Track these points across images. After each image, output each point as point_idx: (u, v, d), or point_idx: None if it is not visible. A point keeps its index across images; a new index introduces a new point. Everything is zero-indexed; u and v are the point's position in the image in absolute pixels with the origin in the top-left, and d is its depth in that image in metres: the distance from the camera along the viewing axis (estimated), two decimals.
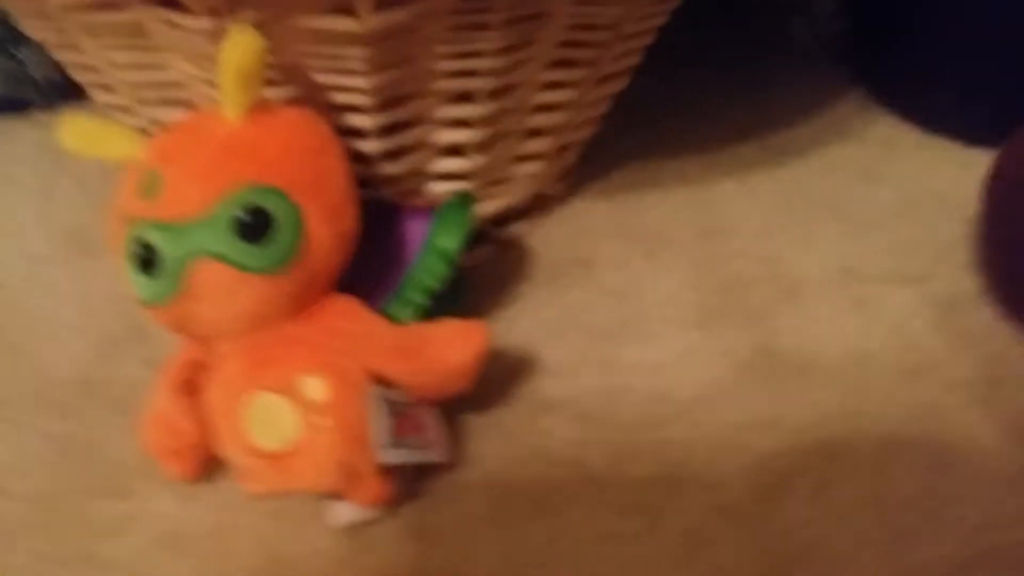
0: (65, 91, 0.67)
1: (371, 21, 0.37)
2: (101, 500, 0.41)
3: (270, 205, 0.36)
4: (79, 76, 0.47)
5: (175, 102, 0.44)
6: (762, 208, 0.56)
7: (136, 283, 0.37)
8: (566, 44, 0.44)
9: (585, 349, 0.47)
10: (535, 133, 0.50)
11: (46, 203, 0.58)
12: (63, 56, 0.46)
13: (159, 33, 0.40)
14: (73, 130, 0.40)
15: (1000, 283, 0.48)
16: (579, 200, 0.58)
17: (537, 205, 0.57)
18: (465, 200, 0.43)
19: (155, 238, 0.36)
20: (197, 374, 0.39)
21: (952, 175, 0.58)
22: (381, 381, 0.38)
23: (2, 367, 0.47)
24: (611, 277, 0.52)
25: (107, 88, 0.47)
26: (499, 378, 0.46)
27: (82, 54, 0.45)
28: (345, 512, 0.39)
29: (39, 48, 0.62)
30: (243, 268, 0.36)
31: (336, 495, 0.38)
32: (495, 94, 0.45)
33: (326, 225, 0.37)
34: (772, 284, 0.51)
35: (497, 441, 0.43)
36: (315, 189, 0.37)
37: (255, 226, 0.36)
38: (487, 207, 0.52)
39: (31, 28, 0.45)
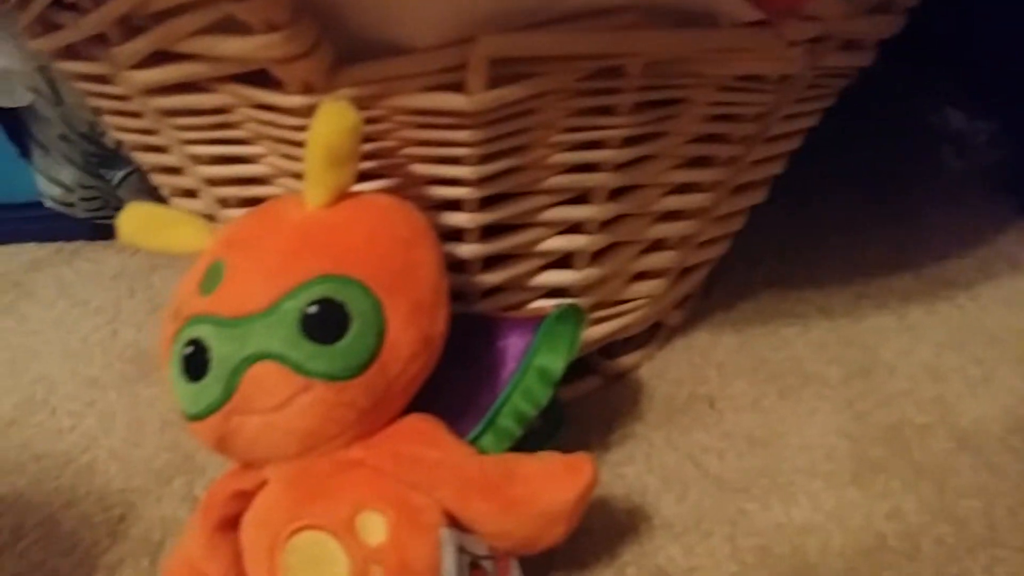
0: None
1: (482, 99, 0.32)
2: None
3: (345, 298, 0.30)
4: (161, 181, 0.44)
5: (258, 202, 0.40)
6: (926, 345, 0.48)
7: (180, 391, 0.32)
8: (702, 139, 0.39)
9: (711, 504, 0.39)
10: (657, 246, 0.43)
11: (113, 327, 0.55)
12: (145, 158, 0.43)
13: (246, 118, 0.36)
14: (134, 217, 0.35)
15: None
16: (700, 331, 0.51)
17: (651, 335, 0.50)
18: (573, 314, 0.36)
19: (207, 335, 0.31)
20: (241, 509, 0.32)
21: None
22: (457, 524, 0.31)
23: (32, 499, 0.42)
24: (741, 419, 0.44)
25: (189, 193, 0.43)
26: (603, 534, 0.38)
27: (165, 154, 0.42)
28: None
29: (128, 169, 0.62)
30: (305, 372, 0.30)
31: None
32: (615, 195, 0.39)
33: (410, 326, 0.31)
34: (945, 433, 0.41)
35: None
36: (401, 284, 0.31)
37: (325, 321, 0.30)
38: (595, 331, 0.45)
39: (114, 126, 0.43)
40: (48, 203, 0.64)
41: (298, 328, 0.30)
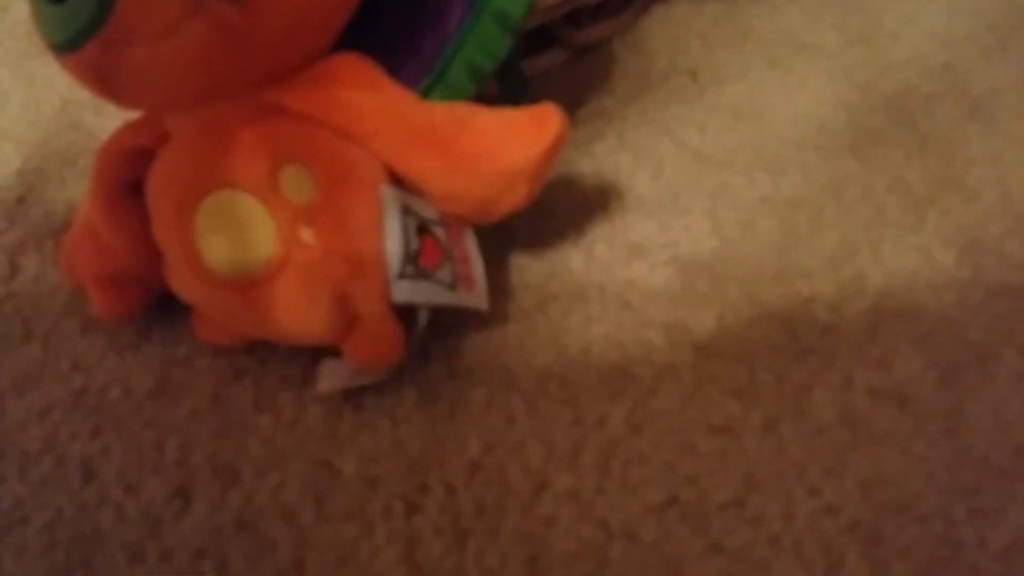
0: None
1: None
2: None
3: None
4: None
5: None
6: (935, 11, 0.42)
7: (43, 17, 0.25)
8: None
9: (692, 179, 0.35)
10: None
11: (2, 4, 0.47)
12: None
13: None
14: None
15: None
16: (678, 1, 0.44)
17: (625, 4, 0.43)
18: None
19: None
20: (143, 169, 0.27)
21: None
22: (401, 184, 0.26)
23: None
24: (725, 91, 0.39)
25: None
26: (569, 212, 0.34)
27: None
28: (333, 374, 0.27)
29: None
30: None
31: (325, 347, 0.27)
32: None
33: None
34: (953, 101, 0.37)
35: (562, 291, 0.31)
36: None
37: None
38: None
39: None
40: None
41: None
